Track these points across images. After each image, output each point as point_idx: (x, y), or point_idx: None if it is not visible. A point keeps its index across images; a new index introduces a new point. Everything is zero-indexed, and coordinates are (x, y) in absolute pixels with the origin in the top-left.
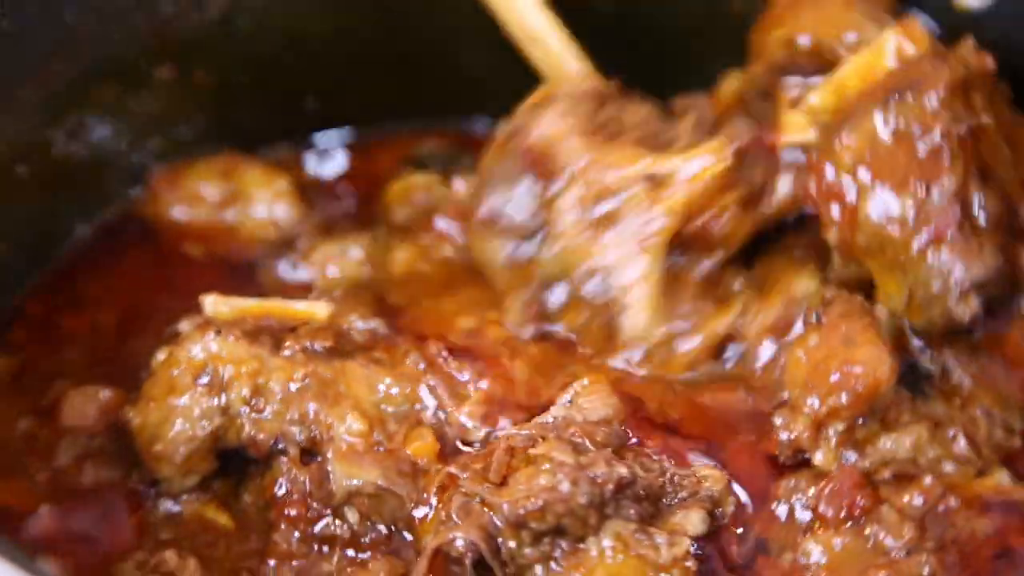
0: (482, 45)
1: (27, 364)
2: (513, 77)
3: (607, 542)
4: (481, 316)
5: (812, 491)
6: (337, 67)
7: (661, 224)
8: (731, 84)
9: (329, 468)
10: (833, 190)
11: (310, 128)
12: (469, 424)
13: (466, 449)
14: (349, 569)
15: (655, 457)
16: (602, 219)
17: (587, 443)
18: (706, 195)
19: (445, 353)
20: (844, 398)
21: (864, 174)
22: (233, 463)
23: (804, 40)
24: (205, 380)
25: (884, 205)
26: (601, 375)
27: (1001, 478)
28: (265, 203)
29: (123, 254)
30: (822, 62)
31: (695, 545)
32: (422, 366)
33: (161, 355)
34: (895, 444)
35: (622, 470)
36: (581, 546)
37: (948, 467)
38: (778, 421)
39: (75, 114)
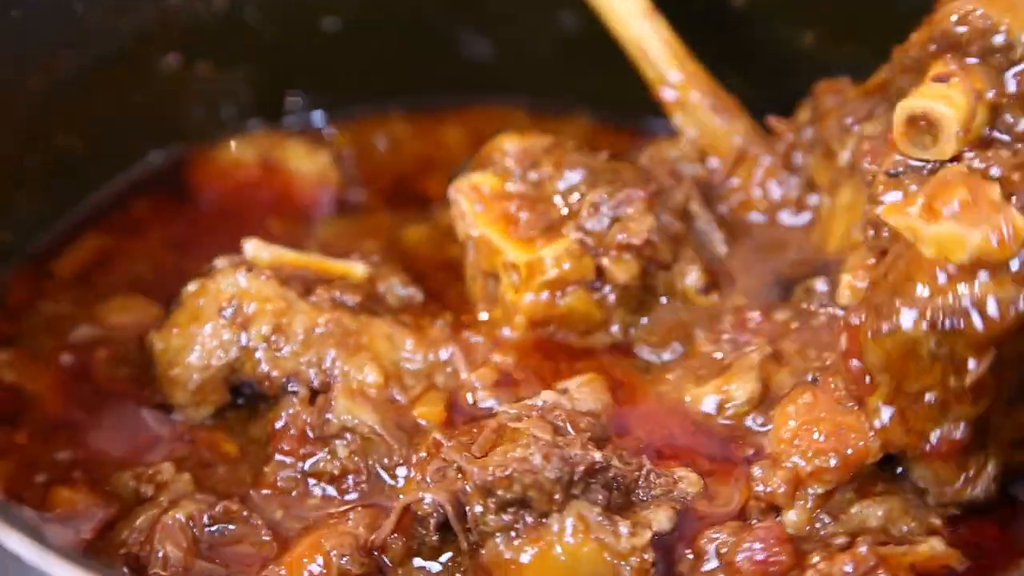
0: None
1: (90, 272)
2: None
3: (569, 521)
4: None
5: (731, 541)
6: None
7: (520, 319)
8: (883, 71)
9: (333, 400)
10: (853, 372)
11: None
12: (478, 385)
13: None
14: (331, 520)
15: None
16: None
17: (568, 427)
18: (547, 301)
19: (469, 327)
20: (832, 461)
21: (886, 378)
22: (249, 399)
23: (979, 19)
24: (229, 312)
25: (895, 417)
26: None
27: (934, 544)
28: (310, 175)
29: (176, 203)
30: (987, 47)
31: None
32: (447, 333)
33: (192, 286)
34: (867, 513)
35: (596, 455)
36: (544, 521)
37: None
38: (757, 472)
39: (82, 103)
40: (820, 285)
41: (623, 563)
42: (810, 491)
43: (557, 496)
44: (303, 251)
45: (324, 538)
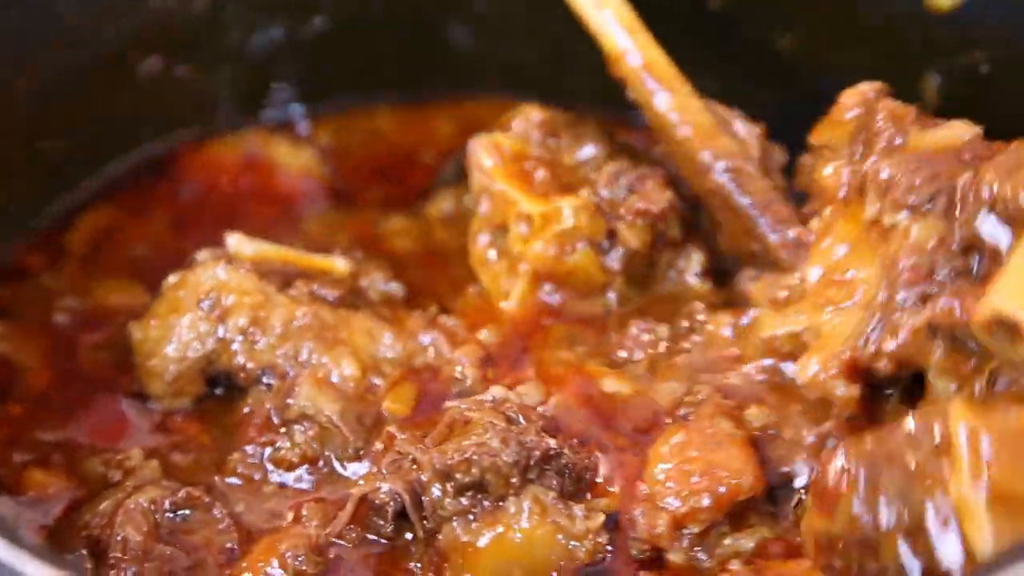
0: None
1: (92, 253)
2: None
3: (526, 505)
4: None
5: None
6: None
7: (526, 267)
8: (957, 130)
9: (296, 386)
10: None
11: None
12: (464, 362)
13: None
14: (284, 524)
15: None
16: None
17: (520, 418)
18: (555, 254)
19: (448, 316)
20: (705, 500)
21: (827, 524)
22: (228, 390)
23: None
24: (207, 304)
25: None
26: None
27: (805, 563)
28: (295, 171)
29: (161, 201)
30: None
31: None
32: (426, 322)
33: (173, 278)
34: (740, 543)
35: (551, 442)
36: (501, 505)
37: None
38: (638, 514)
39: (67, 105)
40: (700, 313)
41: (578, 545)
42: (685, 531)
43: (514, 480)
44: (287, 246)
45: (278, 541)
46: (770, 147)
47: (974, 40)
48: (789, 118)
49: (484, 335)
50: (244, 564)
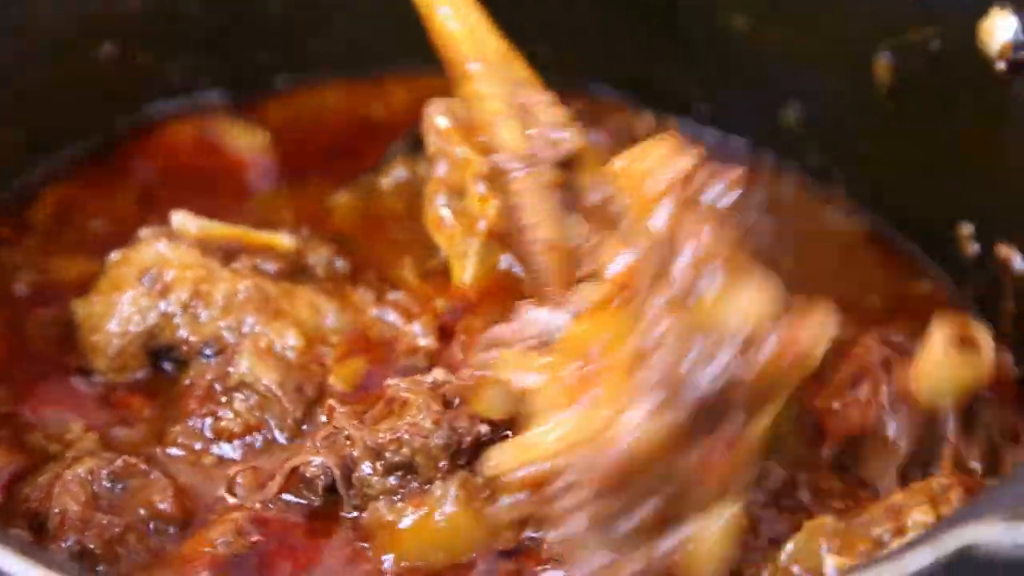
0: None
1: (55, 228)
2: None
3: (452, 490)
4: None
5: None
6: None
7: (484, 225)
8: None
9: (236, 355)
10: None
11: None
12: (418, 332)
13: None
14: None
15: None
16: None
17: (456, 402)
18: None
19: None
20: None
21: None
22: (177, 364)
23: None
24: (148, 280)
25: None
26: None
27: None
28: (247, 151)
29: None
30: None
31: None
32: (372, 297)
33: (115, 255)
34: None
35: (483, 428)
36: (428, 487)
37: None
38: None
39: (22, 90)
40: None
41: (501, 532)
42: None
43: (443, 464)
44: (235, 223)
45: (208, 529)
46: (560, 139)
47: (924, 16)
48: (740, 101)
49: (439, 304)
50: (176, 554)
